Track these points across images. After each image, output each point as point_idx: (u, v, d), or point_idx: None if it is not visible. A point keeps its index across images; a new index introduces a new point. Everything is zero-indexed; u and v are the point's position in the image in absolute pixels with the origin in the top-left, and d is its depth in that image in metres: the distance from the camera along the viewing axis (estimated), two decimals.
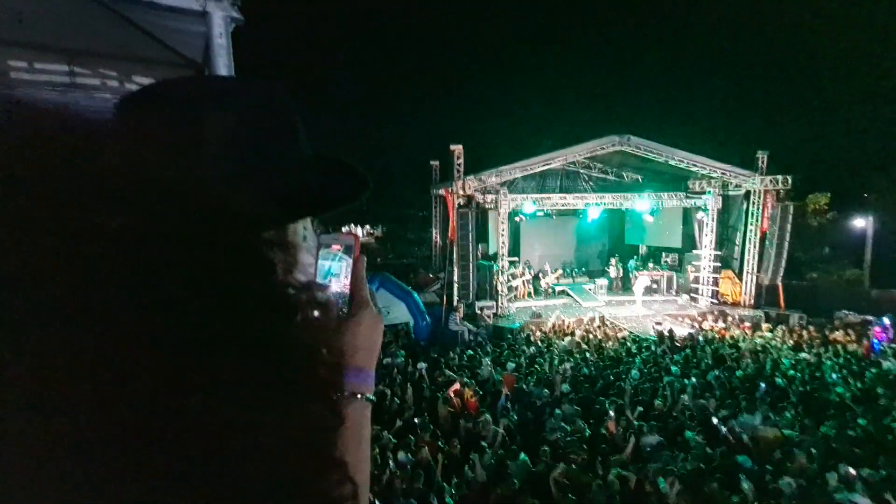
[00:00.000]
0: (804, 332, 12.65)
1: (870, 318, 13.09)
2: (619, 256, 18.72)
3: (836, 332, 12.49)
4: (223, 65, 1.53)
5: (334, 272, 0.69)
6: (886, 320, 11.73)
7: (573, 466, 5.15)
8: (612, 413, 6.58)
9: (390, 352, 9.89)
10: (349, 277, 0.68)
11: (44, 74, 2.76)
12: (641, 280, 16.32)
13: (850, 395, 7.78)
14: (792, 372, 8.99)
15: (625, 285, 17.67)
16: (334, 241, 0.69)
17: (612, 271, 17.99)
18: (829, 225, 22.97)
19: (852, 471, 5.00)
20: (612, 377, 8.67)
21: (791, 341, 11.80)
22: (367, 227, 41.46)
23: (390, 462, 5.05)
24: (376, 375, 0.71)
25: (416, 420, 6.41)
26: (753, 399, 7.51)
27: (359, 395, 0.66)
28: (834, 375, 8.81)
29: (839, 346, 11.33)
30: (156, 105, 0.52)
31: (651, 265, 18.19)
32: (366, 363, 0.67)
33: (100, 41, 2.51)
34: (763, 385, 8.00)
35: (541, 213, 17.00)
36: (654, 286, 17.37)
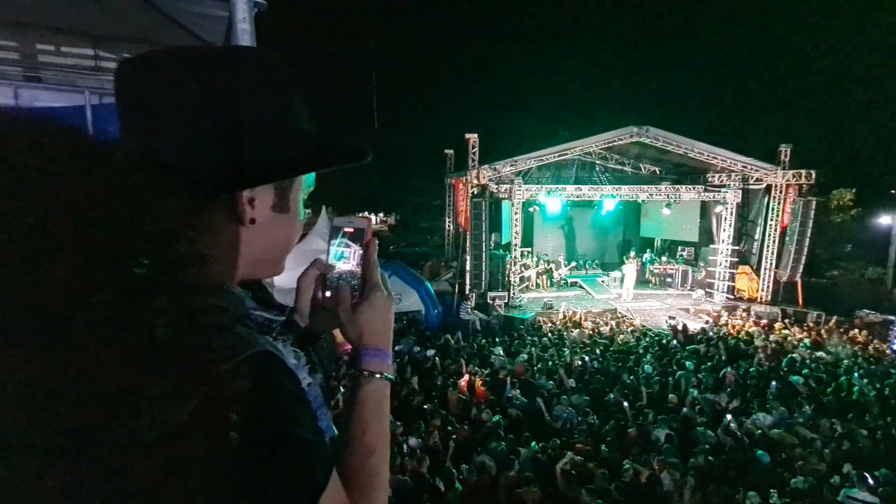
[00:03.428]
0: (821, 330, 12.43)
1: (891, 317, 12.80)
2: (636, 250, 18.51)
3: (856, 332, 12.23)
4: None
5: (346, 255, 0.70)
6: None
7: (578, 457, 5.18)
8: (625, 404, 6.60)
9: (402, 339, 9.98)
10: (361, 260, 0.70)
11: (70, 58, 2.83)
12: (629, 270, 15.95)
13: (868, 395, 7.65)
14: (807, 370, 8.85)
15: (640, 279, 17.47)
16: (347, 224, 0.70)
17: (633, 264, 17.59)
18: (852, 222, 22.35)
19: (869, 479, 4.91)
20: (622, 371, 8.65)
21: (808, 339, 11.60)
22: (381, 214, 41.57)
23: (404, 446, 5.14)
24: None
25: (426, 406, 6.50)
26: (766, 396, 7.43)
27: (378, 375, 0.68)
28: (852, 375, 8.65)
29: (858, 346, 11.11)
30: (150, 72, 0.53)
31: (665, 258, 17.96)
32: (382, 343, 0.69)
33: (124, 25, 2.55)
34: (775, 383, 7.90)
35: (555, 210, 16.77)
36: (669, 279, 17.17)
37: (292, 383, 0.52)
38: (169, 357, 0.35)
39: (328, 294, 0.70)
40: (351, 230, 0.70)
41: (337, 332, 0.73)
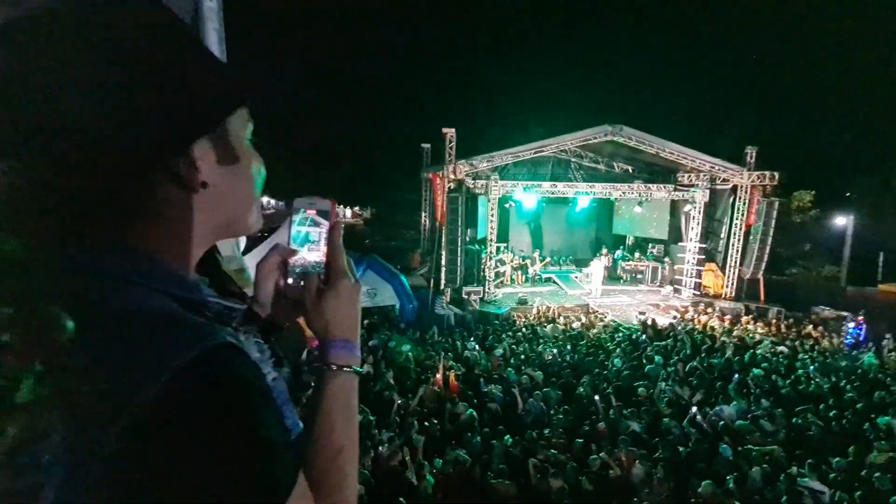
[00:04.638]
0: (781, 326, 12.99)
1: (844, 313, 13.47)
2: (608, 247, 18.89)
3: (812, 327, 12.83)
4: (213, 28, 1.46)
5: (312, 238, 0.64)
6: (860, 317, 12.11)
7: (551, 451, 5.25)
8: (597, 398, 6.72)
9: (376, 334, 9.90)
10: (325, 244, 0.64)
11: None
12: (597, 267, 16.22)
13: (823, 387, 8.03)
14: (767, 364, 9.23)
15: (611, 275, 17.85)
16: (309, 206, 0.65)
17: (604, 261, 17.97)
18: (811, 222, 23.44)
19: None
20: (594, 364, 8.81)
21: (770, 335, 12.09)
22: (356, 208, 41.08)
23: (378, 441, 5.09)
24: (362, 355, 0.68)
25: (399, 401, 6.46)
26: (728, 389, 7.71)
27: (346, 368, 0.63)
28: (809, 368, 9.06)
29: (814, 340, 11.65)
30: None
31: (637, 255, 18.41)
32: (350, 334, 0.65)
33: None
34: (737, 376, 8.21)
35: (530, 206, 17.01)
36: (640, 276, 17.61)
37: (256, 378, 0.47)
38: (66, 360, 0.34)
39: (291, 281, 0.64)
40: (314, 212, 0.64)
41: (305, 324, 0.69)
